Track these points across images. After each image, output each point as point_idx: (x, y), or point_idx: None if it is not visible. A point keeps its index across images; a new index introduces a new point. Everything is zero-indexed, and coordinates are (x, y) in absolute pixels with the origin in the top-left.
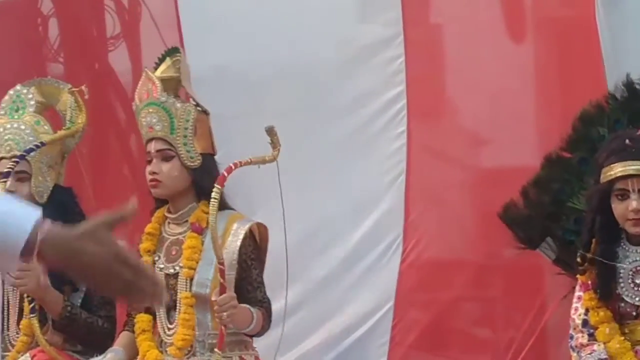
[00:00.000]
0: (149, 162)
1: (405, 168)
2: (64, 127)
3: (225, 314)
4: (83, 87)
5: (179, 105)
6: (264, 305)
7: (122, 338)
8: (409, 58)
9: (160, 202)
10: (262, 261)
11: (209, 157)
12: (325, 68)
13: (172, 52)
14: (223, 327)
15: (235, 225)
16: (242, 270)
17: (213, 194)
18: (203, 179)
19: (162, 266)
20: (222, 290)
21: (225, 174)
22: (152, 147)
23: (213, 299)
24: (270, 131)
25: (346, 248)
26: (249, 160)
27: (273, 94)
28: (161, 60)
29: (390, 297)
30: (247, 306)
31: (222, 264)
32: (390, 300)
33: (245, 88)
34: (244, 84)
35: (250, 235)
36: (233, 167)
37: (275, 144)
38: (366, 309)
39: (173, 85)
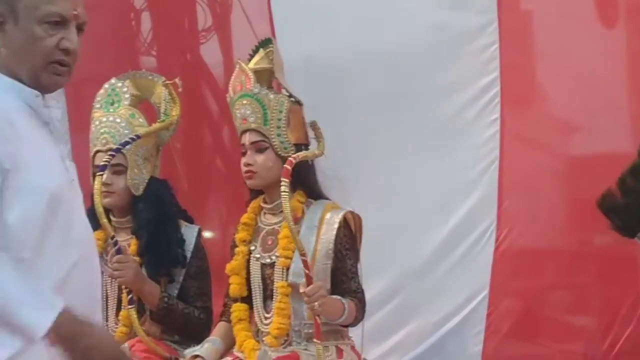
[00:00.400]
0: (244, 153)
1: (499, 155)
2: (158, 120)
3: (316, 304)
4: (177, 80)
5: (272, 96)
6: (358, 295)
7: (219, 328)
8: (502, 45)
9: (256, 192)
10: (356, 251)
11: (302, 148)
12: (416, 55)
13: (266, 43)
14: (317, 318)
15: (329, 215)
16: (337, 260)
17: (281, 187)
18: (298, 169)
19: (258, 256)
20: (308, 281)
21: (288, 167)
22: (247, 139)
23: (301, 290)
24: (314, 126)
25: (439, 236)
26: (304, 155)
27: (362, 82)
28: (255, 51)
29: (484, 286)
30: (339, 297)
31: (304, 255)
32: (485, 289)
33: (334, 77)
34: (333, 73)
35: (344, 225)
36: (293, 161)
37: (319, 137)
38: (461, 298)
39: (266, 77)
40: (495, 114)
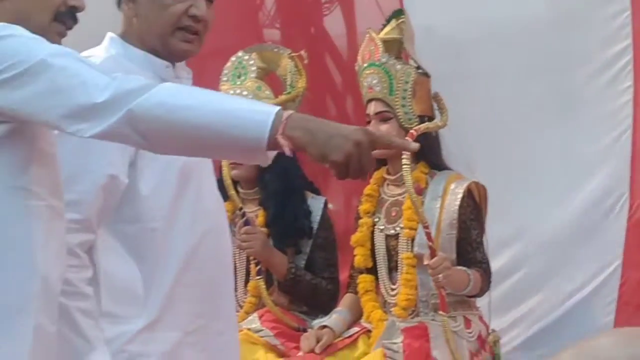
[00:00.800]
0: (368, 123)
1: (632, 124)
2: (284, 92)
3: (440, 276)
4: (302, 52)
5: (399, 66)
6: (483, 266)
7: (346, 299)
8: (635, 11)
9: (379, 163)
10: (481, 222)
11: (426, 120)
12: (542, 25)
13: (398, 14)
14: (441, 290)
15: (453, 185)
16: (461, 231)
17: (403, 160)
18: (422, 141)
19: (382, 227)
20: (432, 253)
21: (412, 138)
22: (371, 108)
23: (425, 262)
24: (436, 97)
25: (570, 206)
26: (426, 127)
27: (482, 53)
28: (387, 22)
29: (617, 257)
30: (464, 268)
31: (427, 227)
32: (617, 260)
33: (453, 48)
34: (452, 44)
35: (468, 195)
36: (414, 133)
37: (442, 109)
38: (592, 269)
39: (396, 47)
40: (629, 81)
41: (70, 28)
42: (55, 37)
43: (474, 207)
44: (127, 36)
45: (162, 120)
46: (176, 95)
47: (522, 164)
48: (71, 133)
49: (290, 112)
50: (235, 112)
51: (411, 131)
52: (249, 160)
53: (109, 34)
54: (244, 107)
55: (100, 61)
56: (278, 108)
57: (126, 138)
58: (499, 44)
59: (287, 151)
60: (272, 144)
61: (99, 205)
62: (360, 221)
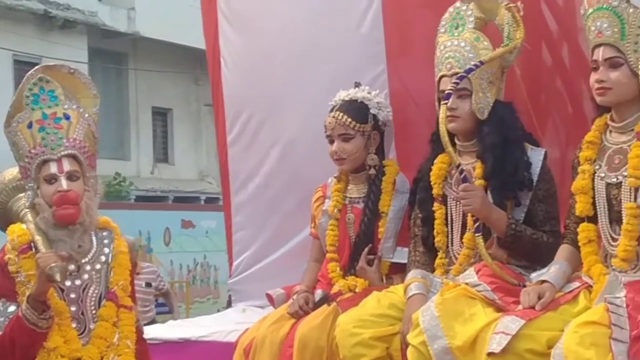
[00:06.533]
0: (595, 69)
1: None
2: (502, 45)
3: None
4: (519, 4)
5: (631, 10)
6: None
7: (563, 250)
8: None
9: (602, 110)
10: None
11: None
12: None
13: None
14: None
15: None
16: None
17: None
18: None
19: (602, 175)
20: None
21: None
22: (600, 54)
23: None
24: None
25: None
26: None
27: None
28: None
29: None
30: None
31: None
32: None
33: None
34: None
35: None
36: None
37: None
38: None
39: None
40: None
41: None
42: None
43: None
44: None
45: None
46: None
47: None
48: None
49: None
50: None
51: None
52: None
53: None
54: None
55: None
56: None
57: None
58: None
59: None
60: None
61: None
62: (581, 168)
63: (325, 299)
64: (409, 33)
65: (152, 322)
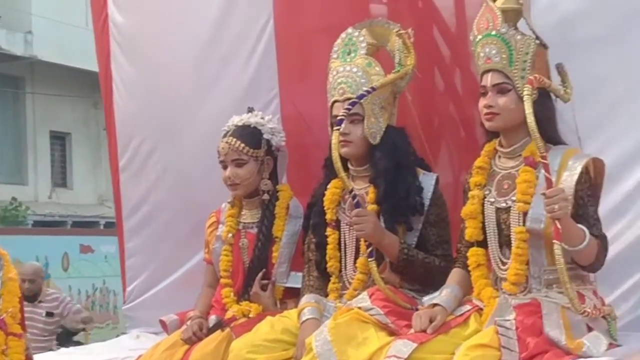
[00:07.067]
0: (483, 94)
1: None
2: (393, 70)
3: (555, 206)
4: (409, 30)
5: (519, 37)
6: (600, 239)
7: (454, 274)
8: None
9: (491, 135)
10: (597, 197)
11: (546, 92)
12: None
13: None
14: (557, 222)
15: (571, 161)
16: (578, 207)
17: (525, 95)
18: (540, 113)
19: (492, 200)
20: (549, 184)
21: (532, 79)
22: (489, 80)
23: (542, 192)
24: (560, 69)
25: None
26: (549, 84)
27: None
28: None
29: None
30: (582, 226)
31: (544, 157)
32: None
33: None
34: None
35: (586, 171)
36: (534, 80)
37: (565, 81)
38: None
39: (513, 17)
40: None
41: None
42: None
43: (590, 183)
44: None
45: None
46: None
47: (630, 134)
48: None
49: None
50: None
51: (530, 77)
52: None
53: None
54: None
55: None
56: None
57: None
58: (606, 12)
59: None
60: None
61: None
62: (471, 193)
63: (219, 325)
64: (303, 58)
65: None
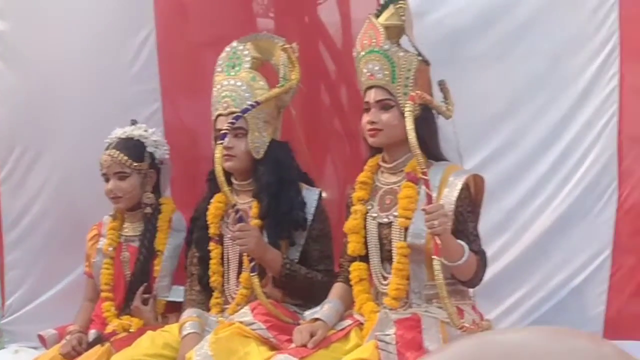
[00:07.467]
0: (367, 110)
1: (618, 111)
2: (278, 85)
3: (435, 222)
4: (294, 45)
5: (401, 54)
6: (479, 255)
7: (337, 288)
8: None
9: (374, 151)
10: (477, 213)
11: (428, 108)
12: (530, 12)
13: None
14: (436, 237)
15: (452, 178)
16: (458, 223)
17: (406, 112)
18: (422, 129)
19: (375, 215)
20: (429, 200)
21: (414, 95)
22: (372, 96)
23: (422, 208)
24: (442, 85)
25: (559, 195)
26: (430, 100)
27: (470, 40)
28: (383, 7)
29: (607, 245)
30: (461, 242)
31: (425, 174)
32: (608, 249)
33: (444, 35)
34: (446, 30)
35: (466, 187)
36: (415, 96)
37: (447, 98)
38: (582, 258)
39: (396, 33)
40: (615, 68)
41: None
42: None
43: (470, 199)
44: None
45: None
46: None
47: (511, 151)
48: None
49: None
50: None
51: (412, 94)
52: None
53: None
54: None
55: None
56: None
57: None
58: (491, 31)
59: None
60: None
61: None
62: (354, 208)
63: (99, 339)
64: (188, 71)
65: None
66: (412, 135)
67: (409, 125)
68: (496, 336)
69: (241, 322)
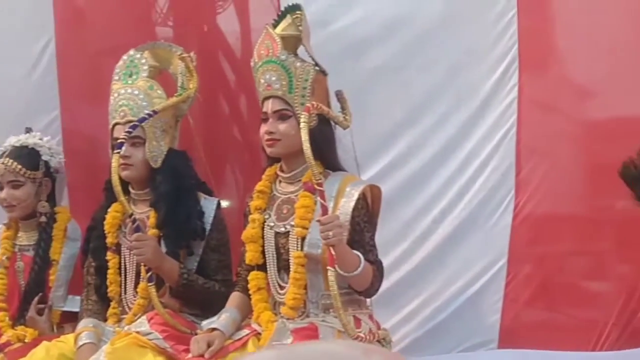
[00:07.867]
0: (264, 120)
1: (516, 122)
2: (175, 94)
3: (330, 233)
4: (192, 54)
5: (298, 64)
6: (376, 265)
7: (234, 298)
8: (521, 11)
9: (272, 160)
10: (374, 223)
11: (325, 119)
12: (433, 23)
13: (293, 9)
14: (331, 248)
15: (348, 188)
16: (354, 233)
17: (301, 122)
18: (319, 139)
19: (272, 224)
20: (324, 211)
21: (309, 106)
22: (269, 106)
23: (317, 219)
24: (340, 96)
25: (458, 205)
26: (328, 111)
27: (373, 49)
28: (281, 17)
29: (502, 254)
30: (357, 252)
31: (320, 185)
32: (503, 257)
33: (347, 45)
34: (348, 41)
35: (363, 198)
36: (311, 107)
37: (344, 108)
38: (478, 267)
39: (292, 44)
40: (514, 80)
41: None
42: None
43: (367, 209)
44: None
45: None
46: None
47: (410, 161)
48: None
49: None
50: None
51: (307, 105)
52: None
53: None
54: None
55: None
56: None
57: None
58: (393, 42)
59: None
60: None
61: None
62: (251, 217)
63: None
64: (88, 79)
65: None
66: (307, 146)
67: (304, 136)
68: (298, 347)
69: (138, 332)
